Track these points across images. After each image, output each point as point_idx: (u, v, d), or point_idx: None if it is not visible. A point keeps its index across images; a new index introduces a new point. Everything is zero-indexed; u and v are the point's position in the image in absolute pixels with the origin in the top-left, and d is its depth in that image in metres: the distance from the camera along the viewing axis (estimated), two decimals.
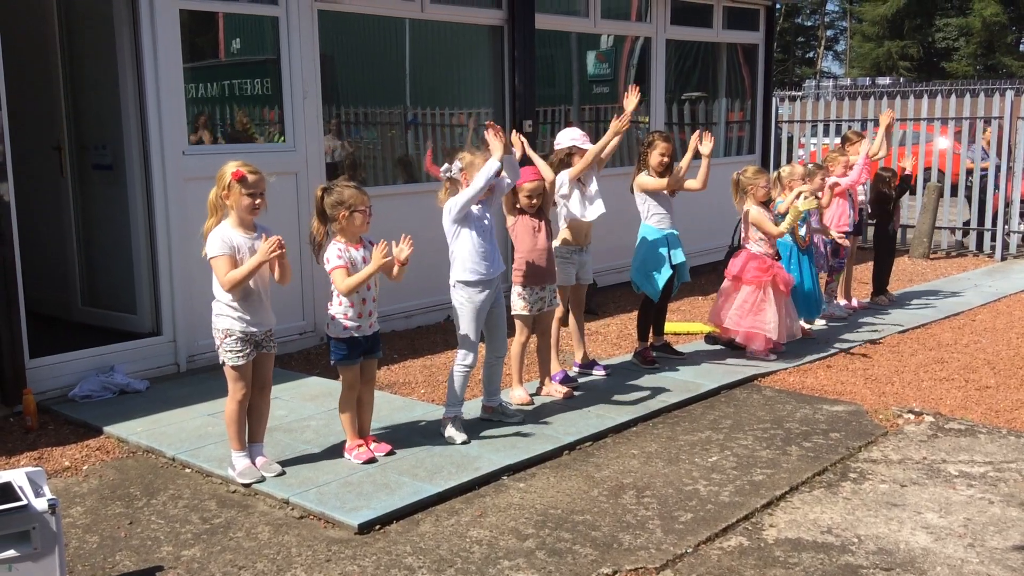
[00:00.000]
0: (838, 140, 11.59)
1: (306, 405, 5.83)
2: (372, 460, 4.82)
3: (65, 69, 7.17)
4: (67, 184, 7.28)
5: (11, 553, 3.29)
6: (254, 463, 4.67)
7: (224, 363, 4.56)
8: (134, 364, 6.37)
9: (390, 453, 4.94)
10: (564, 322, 6.35)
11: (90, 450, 5.19)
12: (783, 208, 6.97)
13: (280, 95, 7.14)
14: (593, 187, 6.12)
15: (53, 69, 7.15)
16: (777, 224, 6.88)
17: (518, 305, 5.72)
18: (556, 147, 6.16)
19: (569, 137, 6.13)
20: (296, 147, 7.19)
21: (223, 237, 4.45)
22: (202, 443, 5.15)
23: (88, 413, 5.70)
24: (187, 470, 4.88)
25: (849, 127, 12.47)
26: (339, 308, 4.76)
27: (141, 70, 6.36)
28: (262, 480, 4.60)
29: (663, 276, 6.51)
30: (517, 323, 5.77)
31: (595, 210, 6.09)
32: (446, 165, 5.22)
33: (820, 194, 7.51)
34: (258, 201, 4.49)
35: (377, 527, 4.16)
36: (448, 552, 3.93)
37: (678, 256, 6.57)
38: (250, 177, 4.44)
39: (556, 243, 6.10)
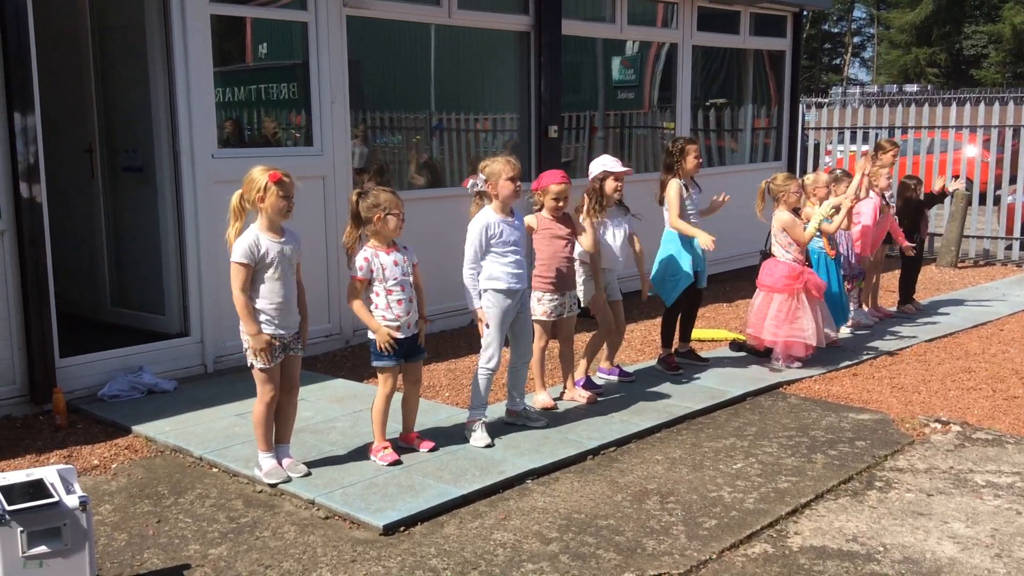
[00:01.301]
0: (865, 147, 11.54)
1: (332, 407, 5.87)
2: (397, 462, 4.85)
3: (97, 72, 7.27)
4: (98, 186, 7.38)
5: (42, 549, 3.34)
6: (280, 464, 4.71)
7: (252, 366, 4.60)
8: (162, 364, 6.44)
9: (433, 449, 5.04)
10: (606, 336, 6.32)
11: (119, 449, 5.25)
12: (811, 229, 6.86)
13: (308, 99, 7.20)
14: (615, 236, 6.14)
15: (85, 72, 7.25)
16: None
17: (537, 311, 5.73)
18: (590, 176, 6.15)
19: (600, 164, 6.13)
20: (324, 151, 7.25)
21: (250, 244, 4.48)
22: (229, 443, 5.19)
23: (117, 412, 5.76)
24: (214, 470, 4.93)
25: (877, 135, 12.42)
26: (376, 311, 4.81)
27: (172, 74, 6.44)
28: (288, 480, 4.63)
29: (682, 283, 6.51)
30: (536, 328, 5.78)
31: (608, 258, 6.12)
32: (471, 180, 5.26)
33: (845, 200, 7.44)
34: (292, 203, 4.55)
35: (402, 528, 4.19)
36: (472, 554, 3.94)
37: (698, 263, 6.57)
38: (286, 179, 4.50)
39: (579, 253, 6.08)
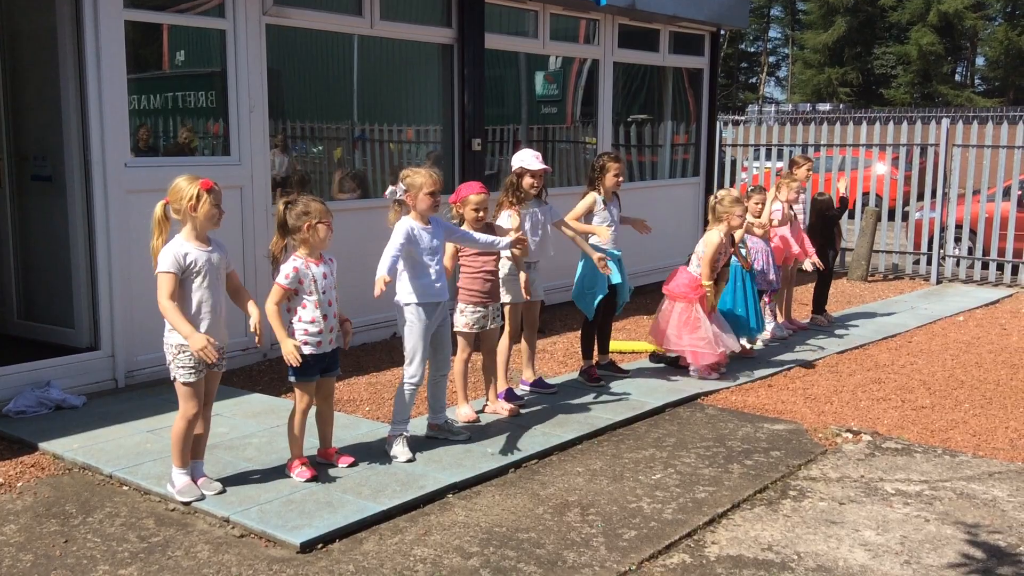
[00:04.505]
0: (780, 164, 11.83)
1: (248, 422, 5.76)
2: (315, 478, 4.77)
3: (6, 78, 7.03)
4: (4, 195, 7.12)
5: None
6: (194, 481, 4.59)
7: (175, 379, 4.48)
8: (71, 379, 6.23)
9: (353, 465, 4.97)
10: (517, 340, 6.37)
11: (25, 467, 5.06)
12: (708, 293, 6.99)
13: (226, 108, 7.07)
14: (534, 230, 6.15)
15: None
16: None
17: (459, 322, 5.72)
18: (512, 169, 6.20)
19: (519, 160, 6.17)
20: (242, 161, 7.12)
21: (177, 254, 4.37)
22: (140, 460, 5.05)
23: (23, 429, 5.56)
24: (124, 487, 4.78)
25: (791, 152, 12.75)
26: (300, 324, 4.73)
27: (84, 80, 6.26)
28: (202, 498, 4.52)
29: (598, 295, 6.59)
30: (459, 340, 5.77)
31: (540, 249, 6.17)
32: (391, 188, 5.22)
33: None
34: (223, 211, 4.46)
35: (320, 546, 4.12)
36: (391, 571, 3.90)
37: (616, 277, 6.65)
38: (217, 188, 4.44)
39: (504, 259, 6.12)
